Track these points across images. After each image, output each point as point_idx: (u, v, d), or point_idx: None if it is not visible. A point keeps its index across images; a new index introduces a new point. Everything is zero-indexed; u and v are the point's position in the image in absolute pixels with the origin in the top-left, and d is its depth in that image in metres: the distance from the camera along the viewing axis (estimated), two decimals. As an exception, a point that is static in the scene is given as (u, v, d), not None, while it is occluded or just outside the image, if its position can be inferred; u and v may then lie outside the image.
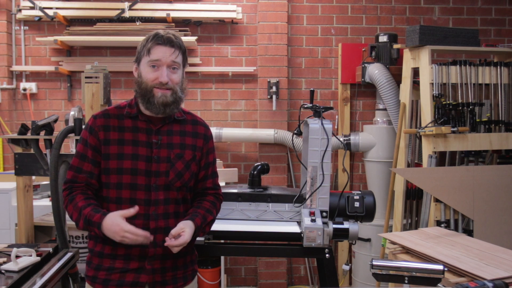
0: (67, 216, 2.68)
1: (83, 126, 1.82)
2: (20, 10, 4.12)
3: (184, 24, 4.22)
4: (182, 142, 1.80)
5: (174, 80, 1.74)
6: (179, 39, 1.77)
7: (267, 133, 4.09)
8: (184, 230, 1.68)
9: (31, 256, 2.03)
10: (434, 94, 3.33)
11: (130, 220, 1.69)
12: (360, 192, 2.35)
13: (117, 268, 1.72)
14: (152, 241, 1.71)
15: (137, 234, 1.60)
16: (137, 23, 4.07)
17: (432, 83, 3.33)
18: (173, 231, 1.67)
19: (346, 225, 2.20)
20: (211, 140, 1.91)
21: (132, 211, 1.63)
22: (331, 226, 2.17)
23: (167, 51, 1.71)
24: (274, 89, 4.13)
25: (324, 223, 2.18)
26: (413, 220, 3.79)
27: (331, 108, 2.55)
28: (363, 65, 4.04)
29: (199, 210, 1.81)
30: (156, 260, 1.74)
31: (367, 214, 2.30)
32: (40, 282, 1.88)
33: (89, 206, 1.68)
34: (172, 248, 1.66)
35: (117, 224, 1.60)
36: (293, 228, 2.24)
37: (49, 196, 3.55)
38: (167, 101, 1.72)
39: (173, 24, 4.14)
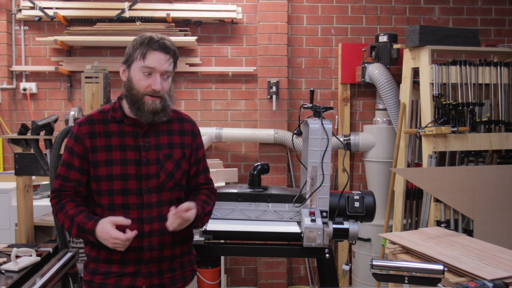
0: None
1: (70, 133, 1.80)
2: (20, 10, 4.12)
3: (184, 24, 4.22)
4: (170, 142, 1.78)
5: (164, 88, 1.72)
6: (173, 44, 1.74)
7: (267, 133, 4.09)
8: (191, 209, 1.68)
9: (31, 256, 2.03)
10: (434, 94, 3.33)
11: (124, 226, 1.69)
12: (360, 192, 2.35)
13: (113, 273, 1.72)
14: (148, 244, 1.71)
15: (126, 240, 1.59)
16: (137, 23, 4.07)
17: (432, 83, 3.33)
18: (183, 206, 1.66)
19: (346, 225, 2.19)
20: (199, 136, 1.89)
21: (124, 221, 1.61)
22: (331, 226, 2.17)
23: (162, 58, 1.69)
24: (274, 89, 4.13)
25: (324, 223, 2.17)
26: (413, 220, 3.79)
27: (331, 108, 2.55)
28: (363, 65, 4.04)
29: (196, 201, 1.80)
30: (152, 263, 1.73)
31: (367, 214, 2.30)
32: (40, 282, 1.88)
33: (81, 213, 1.67)
34: (173, 223, 1.65)
35: (106, 231, 1.59)
36: (293, 228, 2.24)
37: (49, 196, 3.54)
38: (157, 109, 1.70)
39: (173, 24, 4.14)
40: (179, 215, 1.65)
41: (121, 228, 1.62)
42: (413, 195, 3.72)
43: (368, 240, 3.94)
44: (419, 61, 3.44)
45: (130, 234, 1.60)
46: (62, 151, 2.57)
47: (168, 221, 1.66)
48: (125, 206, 1.71)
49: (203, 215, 1.81)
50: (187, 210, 1.68)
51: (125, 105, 1.76)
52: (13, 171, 2.82)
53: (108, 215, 1.70)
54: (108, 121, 1.75)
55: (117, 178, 1.70)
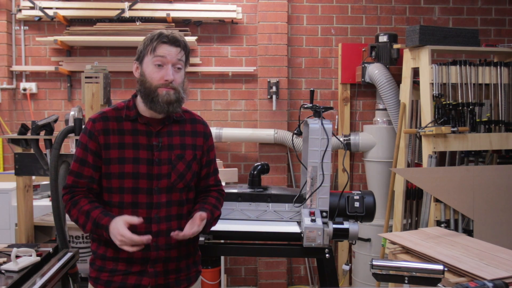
0: (67, 216, 2.69)
1: (83, 128, 1.80)
2: (20, 10, 4.12)
3: (184, 24, 4.22)
4: (182, 143, 1.79)
5: (177, 80, 1.72)
6: (184, 38, 1.76)
7: (267, 133, 4.09)
8: (204, 218, 1.69)
9: (31, 256, 2.03)
10: (434, 94, 3.33)
11: (132, 224, 1.70)
12: (360, 192, 2.35)
13: (120, 271, 1.72)
14: (154, 244, 1.71)
15: (132, 240, 1.57)
16: (137, 23, 4.07)
17: (432, 83, 3.33)
18: (200, 216, 1.68)
19: (346, 225, 2.20)
20: (210, 137, 1.90)
21: (136, 220, 1.61)
22: (331, 226, 2.17)
23: (173, 50, 1.70)
24: (274, 89, 4.13)
25: (324, 223, 2.18)
26: (413, 220, 3.79)
27: (331, 108, 2.55)
28: (363, 65, 4.04)
29: (206, 206, 1.80)
30: (158, 263, 1.73)
31: (367, 214, 2.30)
32: (40, 282, 1.88)
33: (97, 208, 1.68)
34: (190, 231, 1.66)
35: (116, 228, 1.59)
36: (293, 228, 2.24)
37: (49, 196, 3.55)
38: (171, 100, 1.70)
39: (173, 24, 4.14)
40: (196, 223, 1.66)
41: (133, 229, 1.63)
42: (413, 195, 3.72)
43: (368, 240, 3.94)
44: (419, 61, 3.44)
45: (141, 238, 1.58)
46: (62, 151, 2.58)
47: (185, 229, 1.66)
48: (134, 205, 1.71)
49: (212, 220, 1.82)
50: (203, 219, 1.69)
51: (139, 103, 1.77)
52: (13, 171, 2.82)
53: (118, 213, 1.70)
54: (122, 119, 1.75)
55: (129, 176, 1.70)
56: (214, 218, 1.83)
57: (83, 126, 1.79)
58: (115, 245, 1.69)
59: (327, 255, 2.19)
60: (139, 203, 1.71)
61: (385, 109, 3.98)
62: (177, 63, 1.72)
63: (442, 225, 3.19)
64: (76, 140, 2.42)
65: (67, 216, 2.70)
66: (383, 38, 4.01)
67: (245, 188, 2.43)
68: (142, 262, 1.72)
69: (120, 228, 1.58)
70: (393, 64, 4.00)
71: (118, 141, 1.72)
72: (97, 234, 1.69)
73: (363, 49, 4.24)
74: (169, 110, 1.72)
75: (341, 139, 4.05)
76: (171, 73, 1.69)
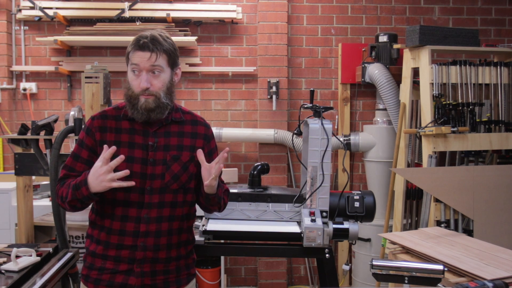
0: (67, 216, 2.69)
1: (83, 126, 1.81)
2: (20, 10, 4.12)
3: (184, 24, 4.22)
4: (179, 144, 1.78)
5: (155, 85, 1.69)
6: (162, 40, 1.70)
7: (267, 133, 4.09)
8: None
9: (31, 256, 2.03)
10: (434, 94, 3.33)
11: (122, 222, 1.70)
12: (360, 192, 2.35)
13: (108, 269, 1.73)
14: (142, 244, 1.71)
15: (106, 158, 1.56)
16: (137, 23, 4.07)
17: (432, 83, 3.33)
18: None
19: (346, 225, 2.19)
20: (213, 140, 1.90)
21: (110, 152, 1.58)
22: (331, 226, 2.17)
23: (145, 56, 1.67)
24: (274, 89, 4.13)
25: (324, 223, 2.17)
26: (413, 220, 3.79)
27: (331, 108, 2.55)
28: (363, 65, 4.04)
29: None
30: (145, 263, 1.72)
31: (367, 214, 2.30)
32: (40, 282, 1.89)
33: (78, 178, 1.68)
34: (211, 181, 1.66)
35: (94, 169, 1.59)
36: (293, 228, 2.24)
37: (49, 196, 3.55)
38: (150, 107, 1.69)
39: (173, 24, 4.14)
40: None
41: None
42: (413, 195, 3.72)
43: (368, 240, 3.94)
44: (419, 61, 3.44)
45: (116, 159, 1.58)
46: (62, 151, 2.59)
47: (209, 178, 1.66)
48: (126, 203, 1.71)
49: (222, 191, 1.82)
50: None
51: None
52: (13, 171, 2.82)
53: (111, 211, 1.72)
54: (121, 117, 1.76)
55: None
56: (223, 190, 1.85)
57: (84, 124, 1.80)
58: (105, 242, 1.71)
59: (327, 255, 2.18)
60: (130, 201, 1.71)
61: (385, 109, 3.98)
62: (151, 68, 1.68)
63: (442, 225, 3.19)
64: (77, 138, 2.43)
65: (67, 215, 2.72)
66: (383, 38, 4.01)
67: (245, 188, 2.43)
68: (129, 262, 1.72)
69: (95, 164, 1.58)
70: (393, 64, 4.00)
71: (114, 139, 1.73)
72: (77, 197, 1.64)
73: (363, 49, 4.24)
74: (150, 117, 1.71)
75: (341, 139, 4.05)
76: (145, 80, 1.67)
